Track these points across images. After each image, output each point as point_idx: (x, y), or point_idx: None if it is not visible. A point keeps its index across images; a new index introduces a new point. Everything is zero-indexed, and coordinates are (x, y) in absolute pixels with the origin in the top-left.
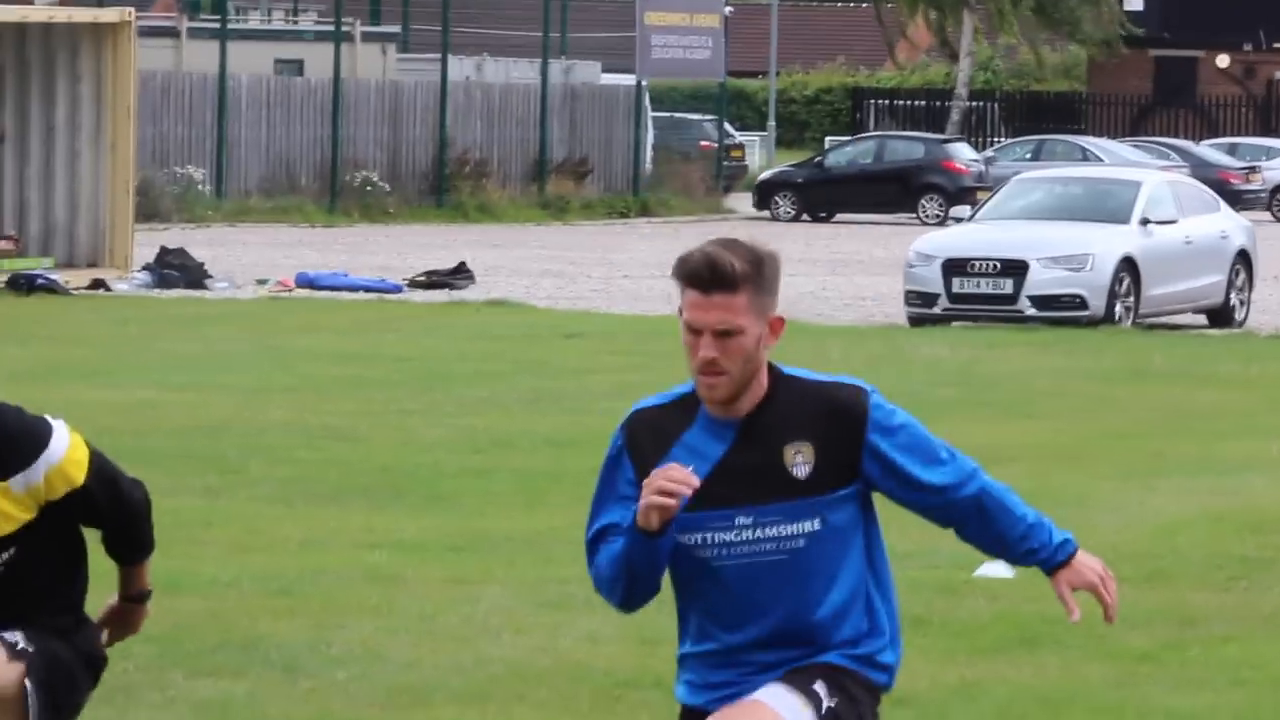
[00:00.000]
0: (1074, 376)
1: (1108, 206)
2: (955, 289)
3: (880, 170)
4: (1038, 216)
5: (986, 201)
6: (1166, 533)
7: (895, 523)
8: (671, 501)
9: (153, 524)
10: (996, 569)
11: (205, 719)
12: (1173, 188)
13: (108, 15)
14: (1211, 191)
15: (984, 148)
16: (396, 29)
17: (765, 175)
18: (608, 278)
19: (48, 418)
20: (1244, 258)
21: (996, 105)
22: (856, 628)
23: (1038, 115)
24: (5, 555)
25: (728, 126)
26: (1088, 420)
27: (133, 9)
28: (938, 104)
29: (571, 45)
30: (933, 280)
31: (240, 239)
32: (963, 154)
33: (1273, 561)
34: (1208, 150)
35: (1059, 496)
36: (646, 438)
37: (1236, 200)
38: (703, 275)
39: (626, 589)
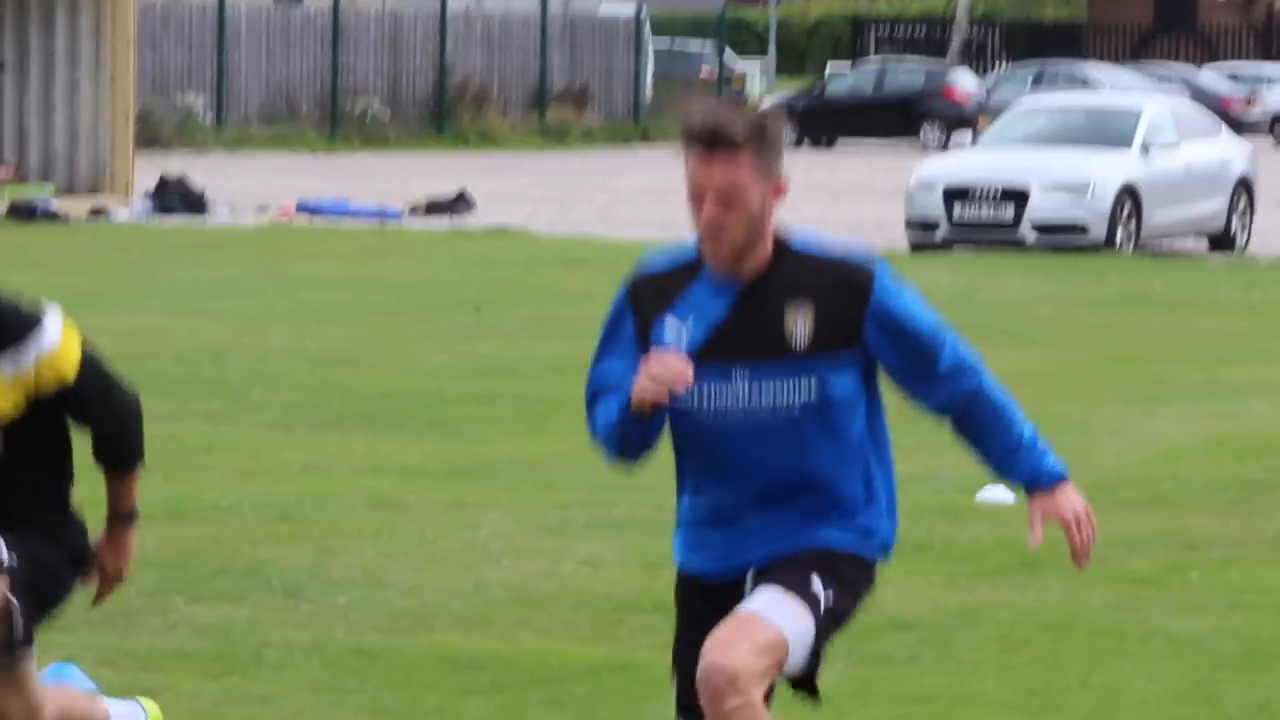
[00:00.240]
0: (1075, 303)
1: (1109, 132)
2: (956, 216)
3: (881, 98)
4: (1039, 143)
5: (988, 129)
6: (1168, 458)
7: (899, 446)
8: (664, 391)
9: (143, 432)
10: (998, 493)
11: (206, 644)
12: (1174, 113)
13: None
14: (1213, 115)
15: (985, 75)
16: None
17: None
18: (608, 204)
19: (44, 307)
20: (1245, 183)
21: (997, 32)
22: (852, 496)
23: (1038, 42)
24: None
25: (728, 54)
26: (1089, 346)
27: None
28: (938, 32)
29: None
30: (934, 207)
31: (240, 167)
32: (964, 81)
33: (1274, 485)
34: (1208, 77)
35: (1060, 423)
36: (649, 295)
37: (1237, 127)
38: (705, 136)
39: (620, 452)
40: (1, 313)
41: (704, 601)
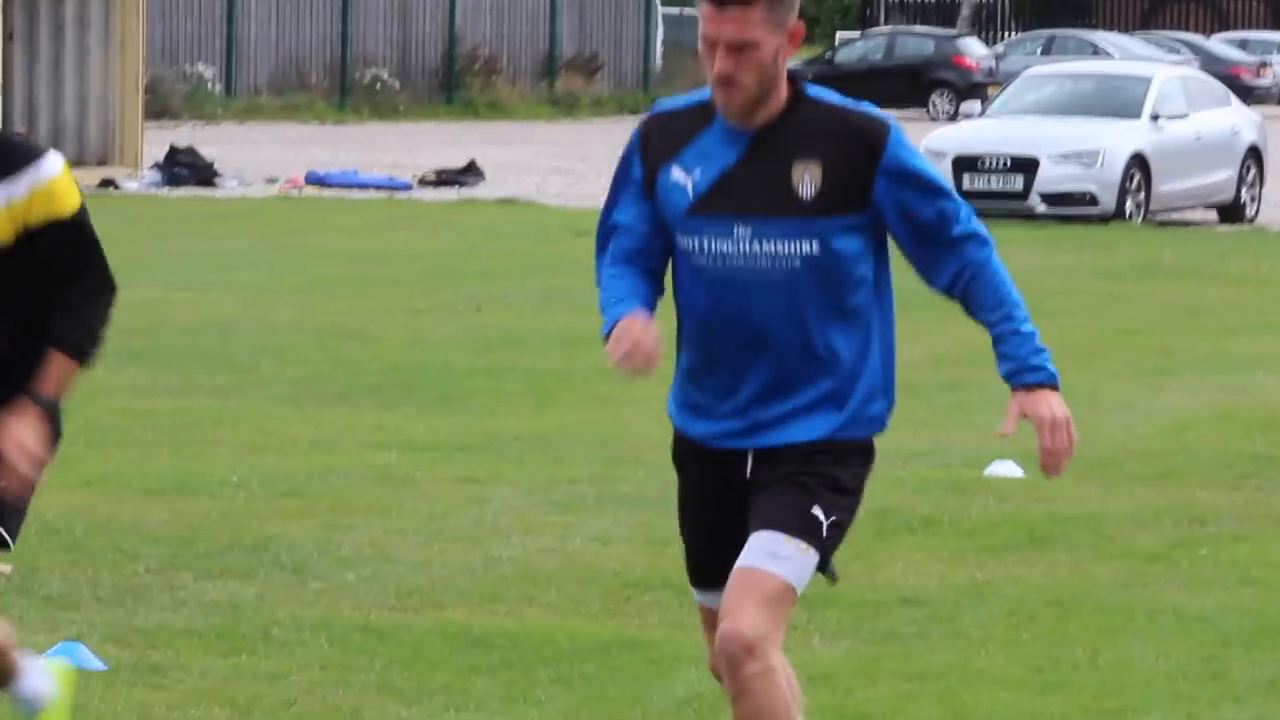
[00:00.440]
0: (1084, 273)
1: (1118, 102)
2: (965, 185)
3: (891, 66)
4: (1048, 112)
5: (997, 97)
6: (1176, 431)
7: (907, 422)
8: (639, 368)
9: (105, 327)
10: (1007, 468)
11: (215, 620)
12: (1183, 83)
13: None
14: (1223, 86)
15: (994, 43)
16: None
17: None
18: None
19: (47, 148)
20: (1255, 153)
21: (1007, 0)
22: (850, 366)
23: (1048, 10)
24: None
25: None
26: (1098, 318)
27: None
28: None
29: None
30: (943, 177)
31: (250, 137)
32: (973, 49)
33: None
34: (1218, 45)
35: (1069, 395)
36: (659, 139)
37: (1247, 95)
38: None
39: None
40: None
41: (701, 465)
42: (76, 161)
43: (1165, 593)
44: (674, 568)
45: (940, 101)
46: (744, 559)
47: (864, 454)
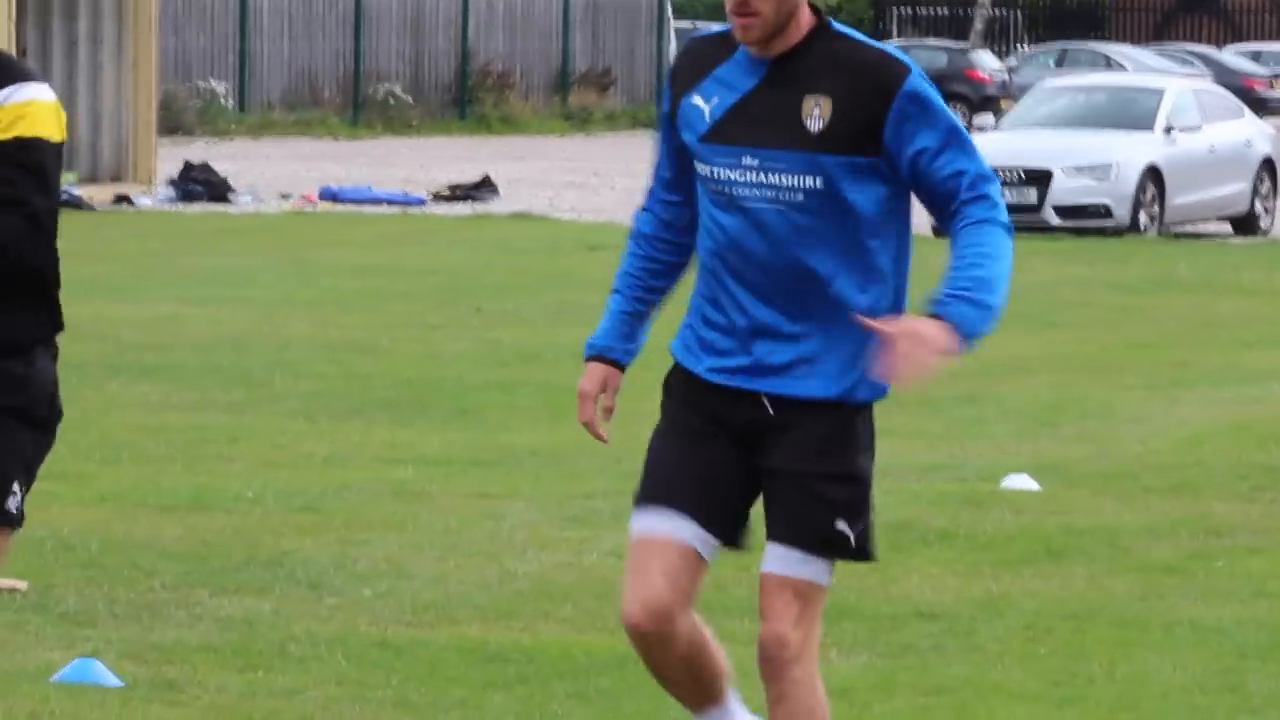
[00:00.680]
0: (1098, 286)
1: (1132, 114)
2: None
3: None
4: (1061, 125)
5: (1010, 110)
6: (1191, 443)
7: (923, 435)
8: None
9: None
10: (1023, 481)
11: (231, 636)
12: (1197, 95)
13: None
14: (1236, 98)
15: (1007, 56)
16: None
17: None
18: (631, 189)
19: (39, 78)
20: (1269, 165)
21: (1020, 13)
22: (856, 322)
23: (1061, 23)
24: None
25: None
26: (1112, 330)
27: None
28: (961, 12)
29: None
30: None
31: (263, 152)
32: (986, 62)
33: None
34: (1231, 57)
35: (1083, 407)
36: (686, 68)
37: (1261, 107)
38: None
39: None
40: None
41: (702, 396)
42: (90, 178)
43: (1181, 605)
44: None
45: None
46: (769, 564)
47: (871, 422)
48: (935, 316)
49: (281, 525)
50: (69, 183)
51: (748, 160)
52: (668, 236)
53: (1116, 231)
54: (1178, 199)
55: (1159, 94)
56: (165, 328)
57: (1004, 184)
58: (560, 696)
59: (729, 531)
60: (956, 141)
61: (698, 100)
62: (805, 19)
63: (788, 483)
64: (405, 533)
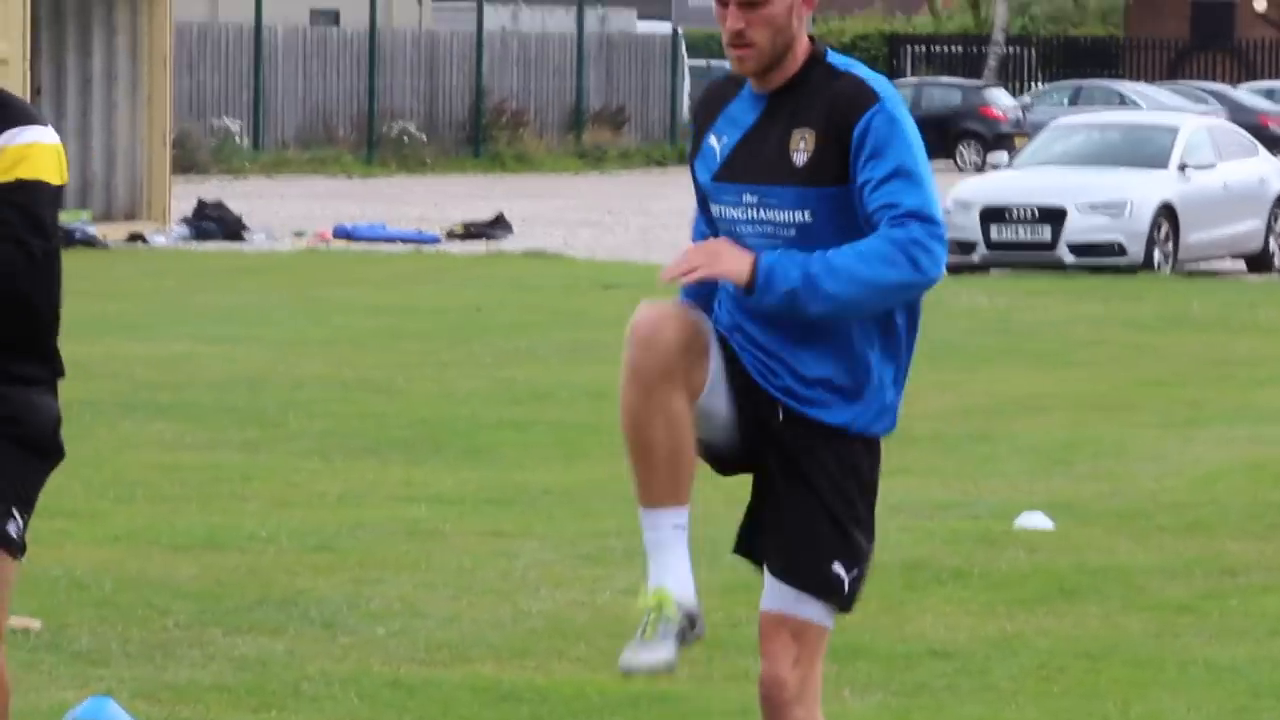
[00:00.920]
0: (1112, 324)
1: (1146, 152)
2: (993, 236)
3: (918, 117)
4: (1076, 162)
5: (1024, 148)
6: (1206, 482)
7: (937, 473)
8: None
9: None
10: (1036, 520)
11: (244, 676)
12: (1210, 132)
13: None
14: (1250, 136)
15: (1021, 94)
16: None
17: None
18: (645, 227)
19: (44, 121)
20: None
21: (1034, 50)
22: (861, 350)
23: (1075, 60)
24: None
25: None
26: (1126, 368)
27: None
28: (975, 49)
29: None
30: (971, 228)
31: (277, 191)
32: (1000, 100)
33: None
34: (1246, 94)
35: (1097, 446)
36: (704, 106)
37: (1275, 145)
38: None
39: None
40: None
41: (735, 359)
42: (104, 216)
43: (1196, 644)
44: (706, 621)
45: (967, 152)
46: (769, 601)
47: (876, 459)
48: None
49: (295, 564)
50: (83, 220)
51: (747, 197)
52: None
53: (1130, 269)
54: (1192, 237)
55: (1173, 132)
56: (179, 366)
57: (1018, 221)
58: None
59: (729, 432)
60: (903, 175)
61: (712, 140)
62: (802, 50)
63: (788, 516)
64: (419, 571)
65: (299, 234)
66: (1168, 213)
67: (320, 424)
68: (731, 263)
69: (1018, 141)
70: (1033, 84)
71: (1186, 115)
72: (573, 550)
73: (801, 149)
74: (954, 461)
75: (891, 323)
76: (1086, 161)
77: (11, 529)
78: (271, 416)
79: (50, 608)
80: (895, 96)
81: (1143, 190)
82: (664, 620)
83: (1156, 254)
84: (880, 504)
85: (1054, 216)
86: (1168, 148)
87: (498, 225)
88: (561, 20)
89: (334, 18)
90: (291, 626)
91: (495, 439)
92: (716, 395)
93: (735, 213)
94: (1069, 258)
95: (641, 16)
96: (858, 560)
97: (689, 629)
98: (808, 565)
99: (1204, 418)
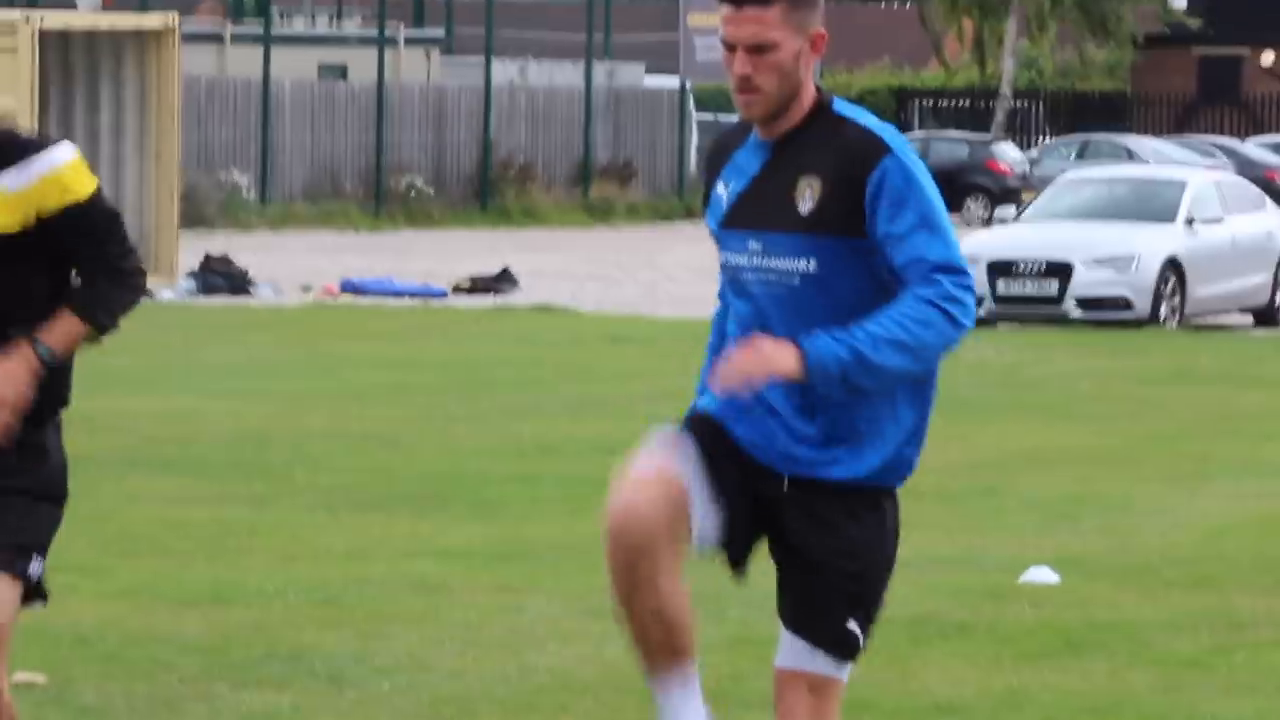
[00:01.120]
0: (1119, 378)
1: (1153, 206)
2: (1000, 290)
3: None
4: (1083, 217)
5: (1031, 202)
6: (1213, 536)
7: (942, 528)
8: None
9: (129, 307)
10: (1042, 574)
11: None
12: (1218, 187)
13: (151, 21)
14: (1258, 190)
15: (1028, 148)
16: (440, 33)
17: None
18: (653, 282)
19: (55, 139)
20: None
21: (1041, 105)
22: (875, 401)
23: (1082, 114)
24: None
25: None
26: (1133, 422)
27: (176, 14)
28: (982, 104)
29: (615, 48)
30: (978, 282)
31: (285, 245)
32: (1007, 154)
33: None
34: (1253, 148)
35: (1104, 500)
36: (713, 158)
37: None
38: None
39: None
40: (5, 134)
41: (726, 441)
42: None
43: (1203, 699)
44: (711, 675)
45: (975, 206)
46: (782, 657)
47: (894, 509)
48: (797, 343)
49: (302, 619)
50: None
51: (752, 245)
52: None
53: (1137, 323)
54: (1199, 291)
55: (1181, 186)
56: (185, 420)
57: (1025, 275)
58: None
59: (732, 538)
60: (926, 227)
61: (720, 188)
62: (808, 98)
63: (802, 571)
64: (425, 626)
65: (306, 288)
66: (1174, 267)
67: (327, 478)
68: (781, 361)
69: (1025, 196)
70: (1040, 138)
71: (1194, 170)
72: (580, 605)
73: (808, 196)
74: (960, 516)
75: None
76: (1094, 216)
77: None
78: (278, 471)
79: (55, 662)
80: (906, 144)
81: (1150, 245)
82: None
83: (1163, 308)
84: None
85: (1061, 271)
86: (1175, 202)
87: (504, 279)
88: (569, 75)
89: (342, 72)
90: (298, 681)
91: (502, 493)
92: (709, 516)
93: (740, 259)
94: (1076, 312)
95: (649, 71)
96: (871, 614)
97: None
98: (825, 622)
99: (1211, 472)
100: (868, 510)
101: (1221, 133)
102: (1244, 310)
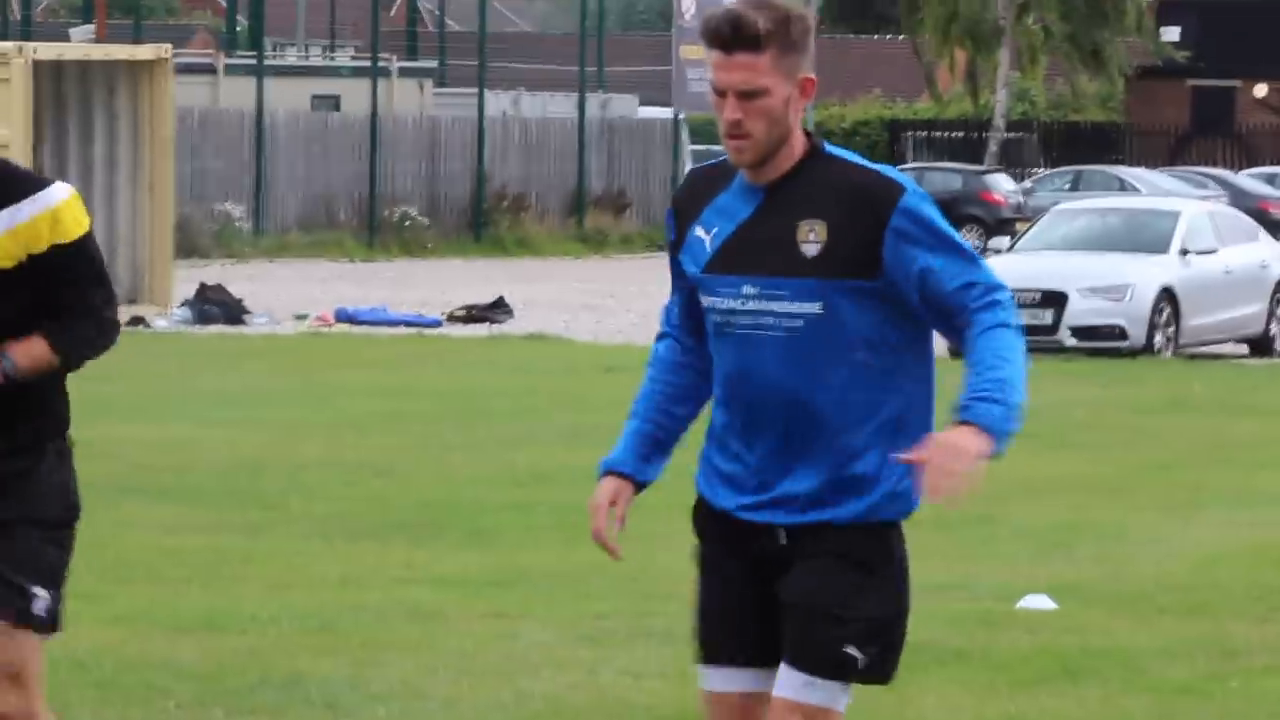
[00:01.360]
0: (1113, 407)
1: (1147, 237)
2: None
3: None
4: (1077, 247)
5: (1025, 232)
6: (1207, 565)
7: (938, 555)
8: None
9: (95, 344)
10: (1038, 601)
11: None
12: (1212, 217)
13: (144, 52)
14: (1251, 221)
15: (1022, 179)
16: (433, 64)
17: None
18: (647, 311)
19: (53, 180)
20: None
21: (1035, 136)
22: (875, 439)
23: (1075, 146)
24: None
25: None
26: (1127, 451)
27: (170, 45)
28: (976, 135)
29: (608, 79)
30: None
31: (279, 274)
32: (1001, 185)
33: None
34: (1246, 180)
35: (1098, 529)
36: (688, 199)
37: (1276, 229)
38: (724, 34)
39: None
40: (5, 173)
41: (726, 535)
42: None
43: None
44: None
45: (969, 237)
46: (778, 689)
47: (898, 541)
48: (964, 423)
49: (296, 646)
50: None
51: (747, 289)
52: (686, 362)
53: (1131, 353)
54: (1193, 320)
55: (1174, 216)
56: (181, 449)
57: (1019, 305)
58: None
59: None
60: (961, 255)
61: (699, 232)
62: (799, 143)
63: (800, 608)
64: (420, 653)
65: (300, 317)
66: (1169, 297)
67: (322, 506)
68: (975, 446)
69: (1019, 226)
70: (1033, 169)
71: (1187, 200)
72: (574, 631)
73: (812, 240)
74: (955, 544)
75: (886, 408)
76: (1088, 246)
77: (37, 606)
78: (273, 499)
79: (51, 689)
80: (913, 182)
81: (1144, 275)
82: None
83: (1158, 338)
84: None
85: (1055, 300)
86: (1169, 232)
87: (498, 309)
88: (563, 105)
89: (335, 103)
90: (293, 708)
91: (497, 521)
92: (761, 678)
93: (732, 304)
94: (1070, 341)
95: (643, 102)
96: (875, 637)
97: None
98: (820, 650)
99: (1205, 501)
100: (863, 547)
101: (1215, 164)
102: (1238, 340)
